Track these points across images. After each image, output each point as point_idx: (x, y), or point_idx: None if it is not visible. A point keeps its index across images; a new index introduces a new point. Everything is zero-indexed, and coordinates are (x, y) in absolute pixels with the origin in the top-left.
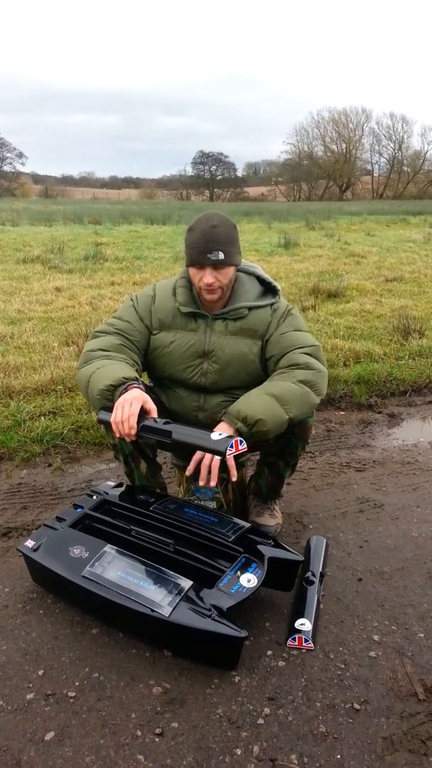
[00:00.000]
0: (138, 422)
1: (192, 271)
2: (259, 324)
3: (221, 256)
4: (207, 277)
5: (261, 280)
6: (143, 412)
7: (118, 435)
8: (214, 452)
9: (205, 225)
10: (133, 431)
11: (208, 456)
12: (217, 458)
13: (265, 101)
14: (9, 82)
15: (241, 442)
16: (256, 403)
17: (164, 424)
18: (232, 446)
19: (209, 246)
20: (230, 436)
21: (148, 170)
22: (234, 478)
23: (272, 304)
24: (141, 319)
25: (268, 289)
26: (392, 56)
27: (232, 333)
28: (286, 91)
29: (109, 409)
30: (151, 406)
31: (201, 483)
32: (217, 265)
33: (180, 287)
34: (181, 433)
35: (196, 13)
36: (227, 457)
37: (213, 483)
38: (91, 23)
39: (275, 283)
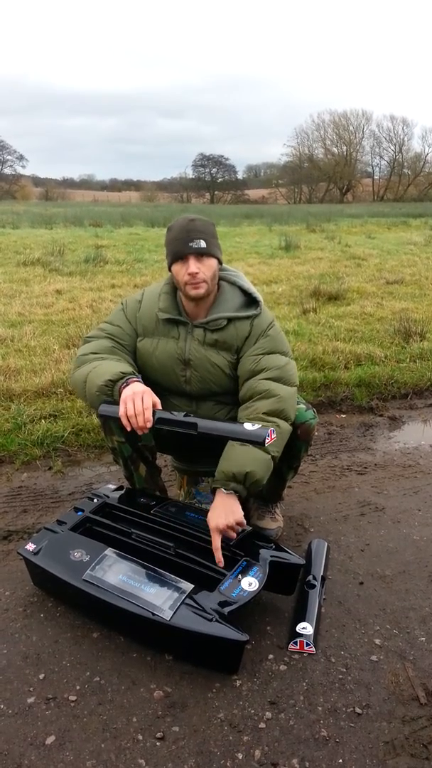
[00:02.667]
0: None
1: (176, 267)
2: (235, 338)
3: (203, 244)
4: (191, 267)
5: (244, 291)
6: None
7: (129, 428)
8: (251, 442)
9: (183, 220)
10: (149, 424)
11: (232, 523)
12: (239, 518)
13: (265, 104)
14: (10, 85)
15: (274, 431)
16: (238, 457)
17: (184, 416)
18: (268, 435)
19: (190, 235)
20: (263, 427)
21: (148, 173)
22: (220, 564)
23: (252, 317)
24: (130, 324)
25: (251, 300)
26: (392, 58)
27: (209, 344)
28: (286, 93)
29: (111, 404)
30: (156, 399)
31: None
32: (200, 254)
33: (164, 294)
34: (209, 425)
35: (194, 17)
36: (264, 445)
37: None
38: (91, 27)
39: (257, 295)
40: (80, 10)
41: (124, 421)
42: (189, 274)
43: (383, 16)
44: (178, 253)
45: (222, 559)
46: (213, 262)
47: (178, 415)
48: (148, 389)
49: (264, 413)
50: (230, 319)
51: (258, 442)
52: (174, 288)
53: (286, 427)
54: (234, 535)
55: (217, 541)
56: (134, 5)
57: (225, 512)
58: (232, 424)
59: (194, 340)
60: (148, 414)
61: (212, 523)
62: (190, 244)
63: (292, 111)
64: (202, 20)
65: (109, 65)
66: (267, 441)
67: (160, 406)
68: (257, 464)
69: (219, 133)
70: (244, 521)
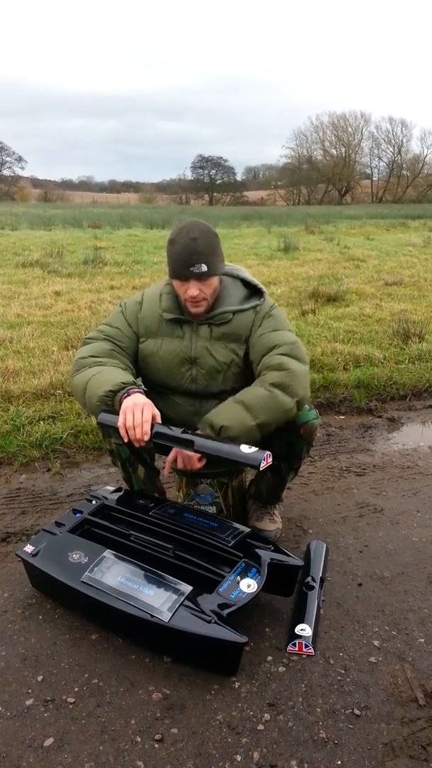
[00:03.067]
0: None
1: (176, 283)
2: (242, 328)
3: (204, 268)
4: (191, 290)
5: (246, 283)
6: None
7: (126, 440)
8: (247, 465)
9: (185, 238)
10: (147, 437)
11: (184, 455)
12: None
13: (264, 105)
14: (9, 87)
15: (270, 455)
16: (224, 410)
17: (182, 432)
18: (263, 459)
19: (191, 259)
20: (260, 450)
21: (147, 174)
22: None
23: (255, 307)
24: (129, 326)
25: (254, 291)
26: (391, 60)
27: (217, 338)
28: (284, 95)
29: (111, 412)
30: (156, 412)
31: (178, 465)
32: (201, 278)
33: (165, 294)
34: (205, 445)
35: (193, 19)
36: (260, 469)
37: (196, 466)
38: (90, 30)
39: (260, 285)
40: (79, 13)
41: (122, 432)
42: (190, 296)
43: (382, 18)
44: (179, 275)
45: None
46: (214, 280)
47: (176, 431)
48: (149, 402)
49: (270, 383)
50: (234, 312)
51: (254, 466)
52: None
53: (286, 401)
54: (184, 466)
55: (171, 456)
56: (133, 7)
57: None
58: (228, 445)
59: (200, 337)
60: (146, 427)
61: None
62: (192, 269)
63: (291, 113)
64: (201, 22)
65: (107, 67)
66: (262, 465)
67: (159, 420)
68: (237, 423)
69: (218, 134)
70: (198, 464)
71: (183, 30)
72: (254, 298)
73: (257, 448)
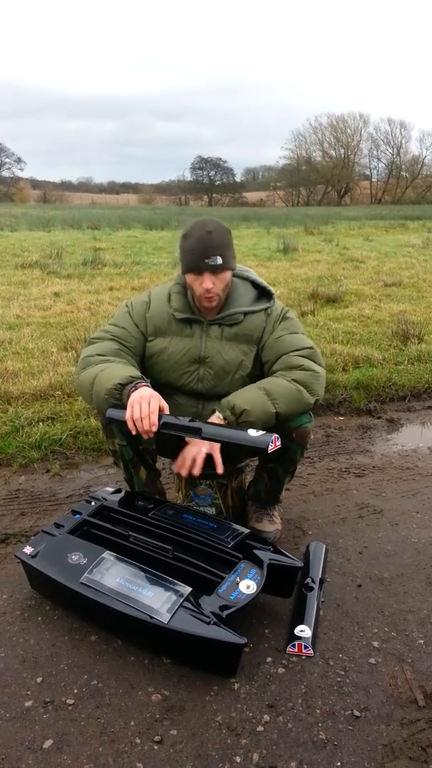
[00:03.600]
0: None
1: (190, 277)
2: (254, 329)
3: (219, 261)
4: (206, 282)
5: (255, 285)
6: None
7: (134, 432)
8: (255, 448)
9: (201, 231)
10: (155, 428)
11: (194, 448)
12: (203, 452)
13: (263, 107)
14: (7, 89)
15: (278, 438)
16: (246, 394)
17: (189, 421)
18: (272, 442)
19: (207, 251)
20: (267, 433)
21: (146, 175)
22: (220, 470)
23: (267, 309)
24: (136, 326)
25: (263, 293)
26: (390, 61)
27: (228, 339)
28: (284, 96)
29: (118, 407)
30: (164, 403)
31: (182, 472)
32: (216, 270)
33: (175, 293)
34: (212, 431)
35: (192, 21)
36: (269, 452)
37: (197, 472)
38: (89, 32)
39: (269, 287)
40: (78, 15)
41: (130, 425)
42: (204, 289)
43: (381, 19)
44: (194, 268)
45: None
46: (228, 274)
47: (183, 420)
48: (156, 393)
49: (293, 379)
50: (245, 313)
51: (261, 449)
52: (184, 287)
53: (308, 397)
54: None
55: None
56: (132, 9)
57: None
58: (236, 430)
59: (210, 337)
60: (154, 418)
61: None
62: (207, 261)
63: (290, 114)
64: (200, 24)
65: (106, 69)
66: (271, 447)
67: (167, 411)
68: (258, 408)
69: (217, 136)
70: (218, 454)
71: (182, 32)
72: (264, 300)
73: (264, 432)
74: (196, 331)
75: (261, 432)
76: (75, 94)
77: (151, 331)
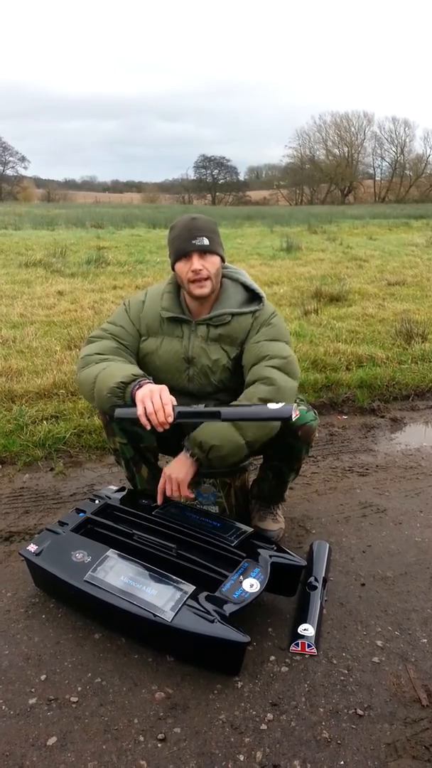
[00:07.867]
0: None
1: (179, 265)
2: (239, 331)
3: (206, 241)
4: (195, 263)
5: (246, 288)
6: None
7: (148, 427)
8: (279, 419)
9: (185, 219)
10: (171, 419)
11: (173, 480)
12: (184, 480)
13: (266, 106)
14: (11, 90)
15: (296, 406)
16: (212, 429)
17: (205, 407)
18: (293, 410)
19: (193, 233)
20: (285, 405)
21: (150, 174)
22: (190, 495)
23: (255, 312)
24: (133, 324)
25: (254, 296)
26: (394, 60)
27: (213, 339)
28: (286, 96)
29: (123, 406)
30: (172, 397)
31: (168, 494)
32: (203, 252)
33: (166, 293)
34: (233, 412)
35: (193, 21)
36: (292, 420)
37: (185, 492)
38: (89, 33)
39: (260, 291)
40: (78, 16)
41: (143, 421)
42: (193, 271)
43: (384, 17)
44: (181, 251)
45: (160, 498)
46: (216, 259)
47: (199, 407)
48: (164, 386)
49: (259, 398)
50: (234, 315)
51: (286, 418)
52: (177, 287)
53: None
54: (172, 492)
55: (161, 485)
56: (132, 10)
57: (177, 468)
58: (255, 406)
59: (197, 337)
60: (168, 409)
61: (166, 470)
62: (193, 242)
63: (294, 113)
64: (200, 25)
65: (105, 70)
66: (294, 416)
67: (176, 403)
68: (226, 442)
69: (219, 135)
70: (186, 489)
71: (182, 32)
72: (254, 303)
73: (283, 403)
74: (185, 331)
75: (280, 404)
76: (75, 95)
77: (144, 330)
